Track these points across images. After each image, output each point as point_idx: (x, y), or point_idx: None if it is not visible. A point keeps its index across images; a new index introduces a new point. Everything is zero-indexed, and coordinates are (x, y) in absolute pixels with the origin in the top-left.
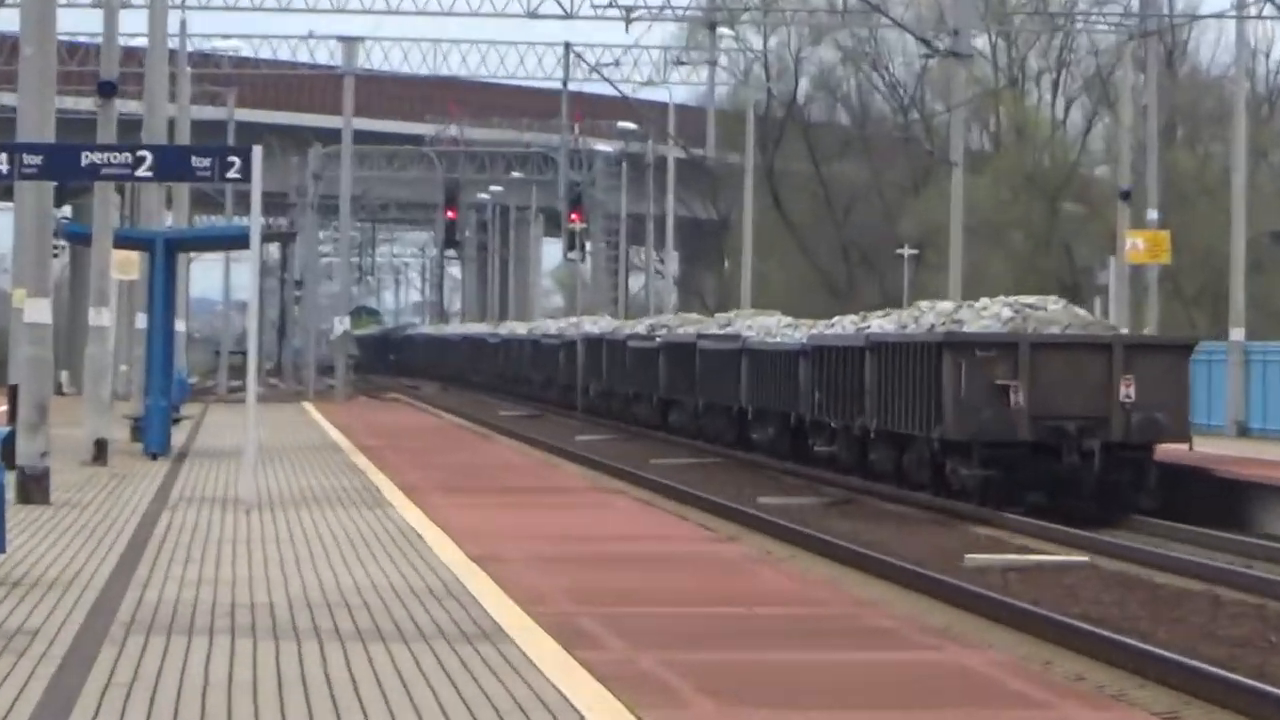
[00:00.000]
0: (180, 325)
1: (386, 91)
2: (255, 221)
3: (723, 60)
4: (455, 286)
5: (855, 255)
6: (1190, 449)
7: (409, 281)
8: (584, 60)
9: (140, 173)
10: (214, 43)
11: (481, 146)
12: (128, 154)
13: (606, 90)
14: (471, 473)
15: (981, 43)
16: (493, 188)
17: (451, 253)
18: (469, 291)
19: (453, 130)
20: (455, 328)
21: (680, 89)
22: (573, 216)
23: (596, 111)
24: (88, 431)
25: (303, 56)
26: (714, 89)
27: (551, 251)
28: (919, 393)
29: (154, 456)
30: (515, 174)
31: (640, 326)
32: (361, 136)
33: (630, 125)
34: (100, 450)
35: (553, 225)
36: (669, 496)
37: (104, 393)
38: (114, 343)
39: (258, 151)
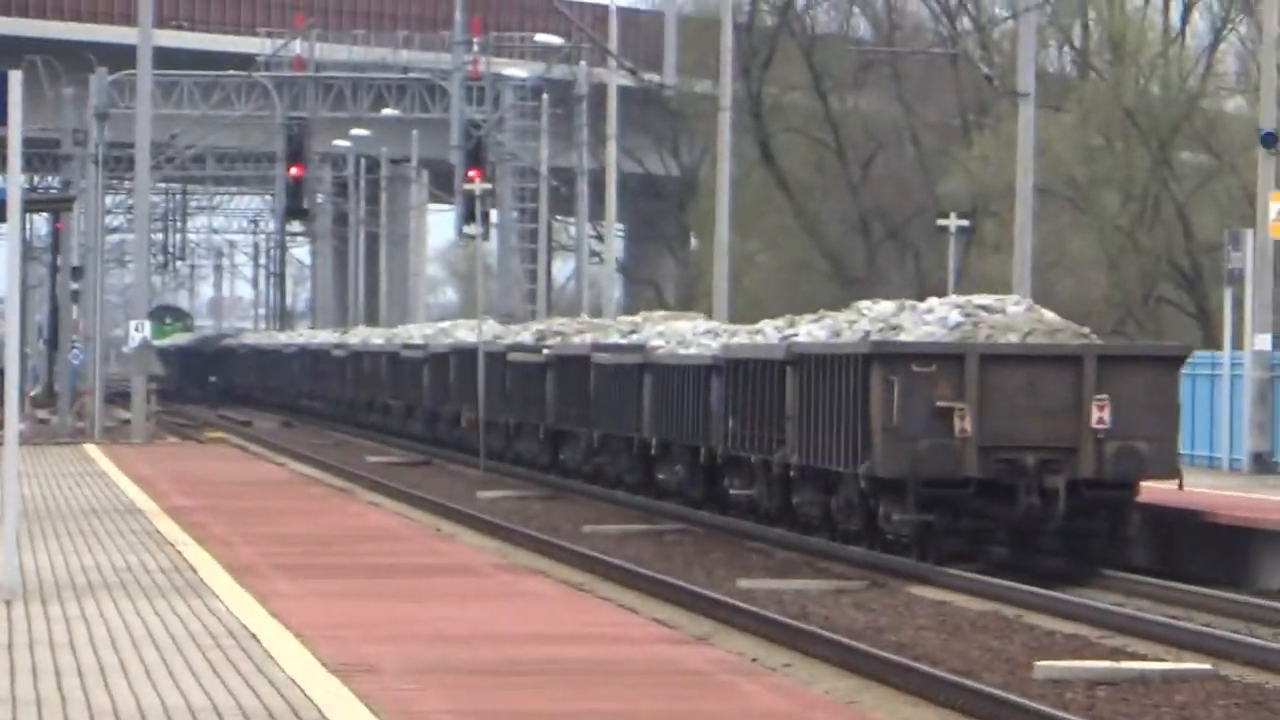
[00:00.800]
0: None
1: None
2: (14, 181)
3: None
4: (304, 276)
5: (879, 228)
6: (1180, 487)
7: (236, 269)
8: None
9: None
10: None
11: (339, 71)
12: None
13: None
14: (328, 546)
15: None
16: (356, 132)
17: (297, 226)
18: (323, 283)
19: (297, 48)
20: (290, 336)
21: None
22: (471, 173)
23: (505, 20)
24: None
25: None
26: None
27: (442, 224)
28: (846, 418)
29: None
30: (388, 111)
31: (526, 335)
32: (166, 57)
33: (553, 39)
34: None
35: (443, 186)
36: (610, 578)
37: None
38: None
39: (15, 79)
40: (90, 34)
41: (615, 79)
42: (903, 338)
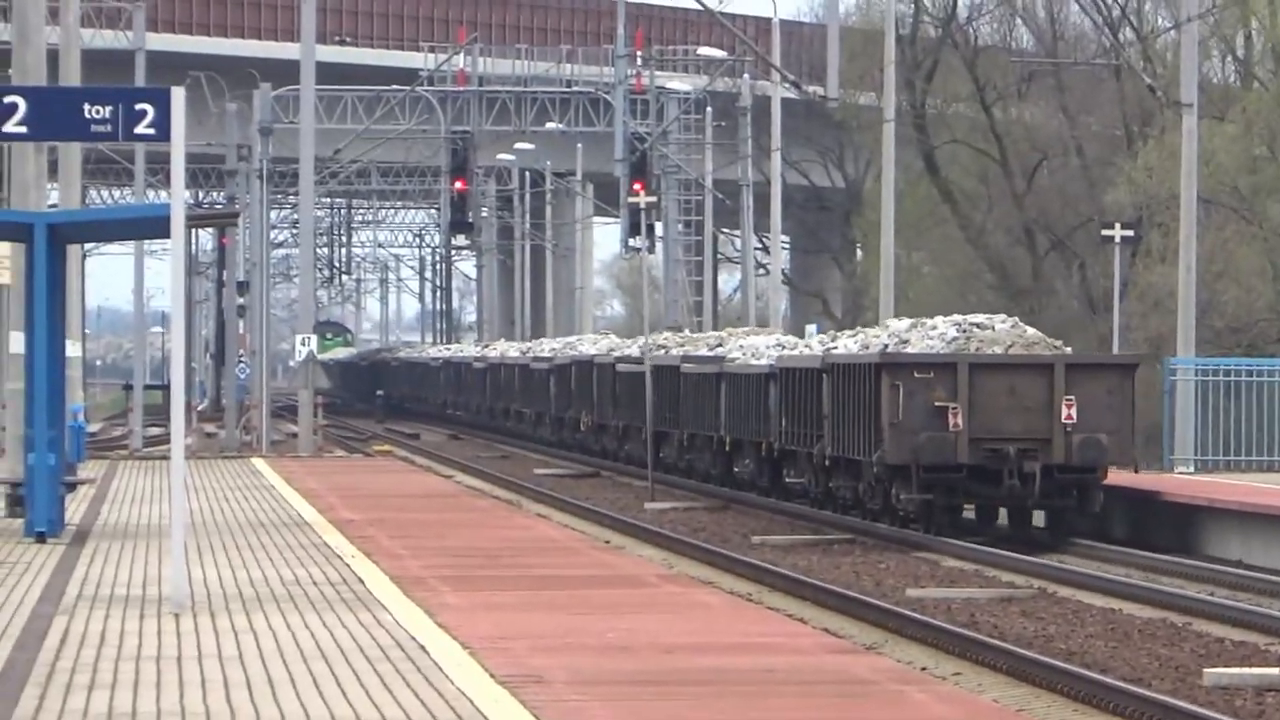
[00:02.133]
0: (74, 348)
1: (365, 6)
2: (178, 197)
3: None
4: (470, 290)
5: (1044, 239)
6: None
7: (402, 283)
8: None
9: (9, 128)
10: None
11: (503, 86)
12: None
13: (682, 1)
14: (495, 558)
15: None
16: (520, 146)
17: (462, 240)
18: (489, 297)
19: (460, 62)
20: (438, 350)
21: None
22: (635, 186)
23: (668, 33)
24: None
25: None
26: None
27: (608, 237)
28: (865, 416)
29: (40, 538)
30: (552, 125)
31: (634, 347)
32: (330, 72)
33: (716, 53)
34: None
35: (608, 199)
36: (778, 589)
37: None
38: None
39: (179, 95)
40: (253, 50)
41: (778, 91)
42: (910, 350)
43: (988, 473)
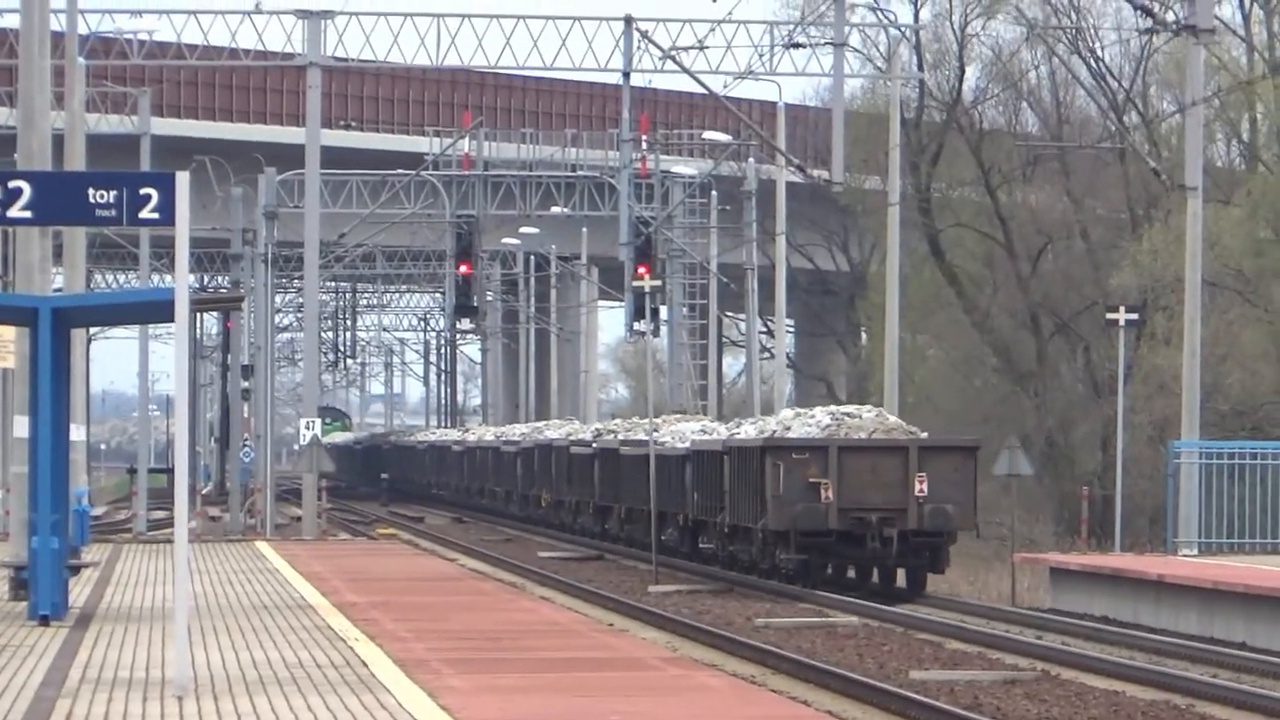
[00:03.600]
0: (78, 432)
1: (370, 91)
2: (182, 281)
3: (855, 40)
4: (475, 373)
5: (1048, 322)
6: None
7: (407, 367)
8: (654, 43)
9: (13, 212)
10: (120, 22)
11: (508, 170)
12: None
13: (687, 85)
14: (498, 641)
15: (1229, 11)
16: (524, 229)
17: (466, 324)
18: (494, 381)
19: (465, 147)
20: (423, 435)
21: (794, 83)
22: (640, 270)
23: (673, 117)
24: None
25: (248, 41)
26: (842, 83)
27: (612, 321)
28: (753, 490)
29: (44, 621)
30: (557, 209)
31: (587, 432)
32: (335, 157)
33: (721, 136)
34: None
35: (612, 283)
36: (782, 671)
37: None
38: None
39: (183, 180)
40: (258, 134)
41: (783, 175)
42: (791, 435)
43: (853, 537)
